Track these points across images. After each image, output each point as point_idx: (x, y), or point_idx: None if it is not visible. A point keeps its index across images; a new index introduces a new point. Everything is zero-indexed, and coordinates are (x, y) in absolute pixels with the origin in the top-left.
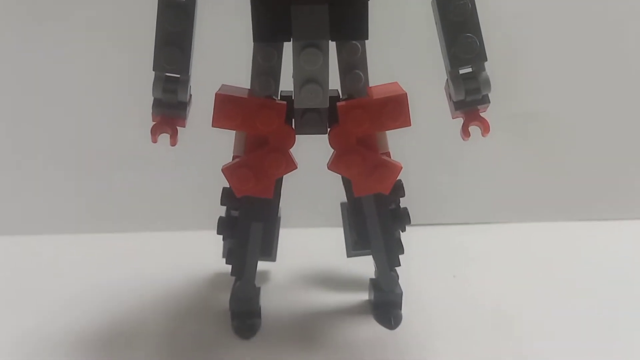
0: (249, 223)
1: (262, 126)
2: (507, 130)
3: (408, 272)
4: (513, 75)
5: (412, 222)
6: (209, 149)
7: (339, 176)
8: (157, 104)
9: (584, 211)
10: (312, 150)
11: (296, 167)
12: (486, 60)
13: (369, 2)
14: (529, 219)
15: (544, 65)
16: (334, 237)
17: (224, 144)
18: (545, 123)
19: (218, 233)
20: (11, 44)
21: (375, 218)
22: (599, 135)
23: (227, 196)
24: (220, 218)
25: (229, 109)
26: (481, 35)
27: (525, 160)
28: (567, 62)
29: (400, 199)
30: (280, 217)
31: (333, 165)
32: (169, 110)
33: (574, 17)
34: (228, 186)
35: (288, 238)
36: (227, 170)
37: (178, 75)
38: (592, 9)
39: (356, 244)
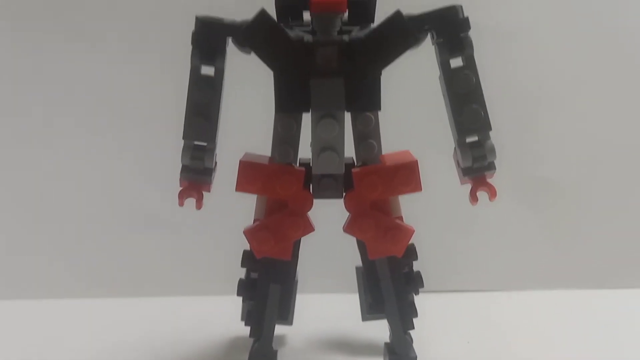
0: (267, 284)
1: (282, 191)
2: (520, 196)
3: (422, 337)
4: (529, 141)
5: (425, 289)
6: (231, 213)
7: (354, 240)
8: (185, 170)
9: (600, 279)
10: (328, 214)
11: (313, 230)
12: (491, 129)
13: (381, 76)
14: (542, 287)
15: (558, 131)
16: (350, 302)
17: (245, 209)
18: (559, 189)
19: (238, 294)
20: (32, 100)
21: (389, 281)
22: (610, 201)
23: (248, 258)
24: (240, 280)
25: (251, 174)
26: (485, 106)
27: (538, 226)
28: (581, 128)
29: (413, 262)
30: (297, 281)
31: (348, 228)
32: (196, 176)
33: (586, 82)
34: (249, 249)
35: (305, 303)
36: (248, 232)
37: (205, 144)
38: (604, 72)
39: (371, 307)
